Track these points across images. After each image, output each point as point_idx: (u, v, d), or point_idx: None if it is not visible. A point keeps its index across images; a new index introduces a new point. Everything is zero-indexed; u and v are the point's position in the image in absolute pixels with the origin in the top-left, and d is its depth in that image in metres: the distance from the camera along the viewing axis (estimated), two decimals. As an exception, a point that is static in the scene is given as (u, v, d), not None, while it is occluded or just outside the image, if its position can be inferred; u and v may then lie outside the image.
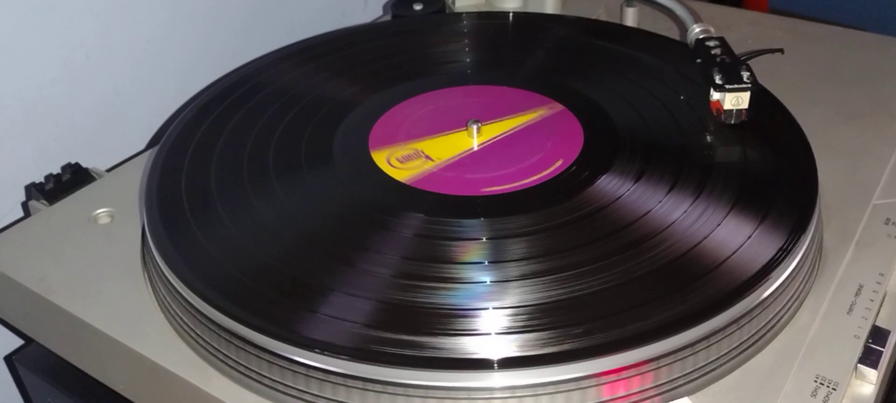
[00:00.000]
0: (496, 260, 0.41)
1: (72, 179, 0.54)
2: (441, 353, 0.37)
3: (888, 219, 0.47)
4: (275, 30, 0.74)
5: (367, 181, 0.48)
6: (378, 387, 0.37)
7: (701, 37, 0.55)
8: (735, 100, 0.49)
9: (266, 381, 0.39)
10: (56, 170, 0.54)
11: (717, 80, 0.50)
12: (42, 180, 0.54)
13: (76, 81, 0.60)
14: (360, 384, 0.37)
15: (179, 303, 0.42)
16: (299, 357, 0.38)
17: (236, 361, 0.40)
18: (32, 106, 0.58)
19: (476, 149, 0.51)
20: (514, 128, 0.52)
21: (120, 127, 0.64)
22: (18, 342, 0.57)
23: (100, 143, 0.63)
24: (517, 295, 0.39)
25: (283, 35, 0.73)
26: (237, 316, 0.39)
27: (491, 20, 0.67)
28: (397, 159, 0.50)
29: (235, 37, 0.71)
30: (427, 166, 0.49)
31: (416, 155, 0.50)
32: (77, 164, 0.55)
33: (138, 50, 0.64)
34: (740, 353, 0.39)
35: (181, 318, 0.42)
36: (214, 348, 0.40)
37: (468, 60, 0.61)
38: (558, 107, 0.54)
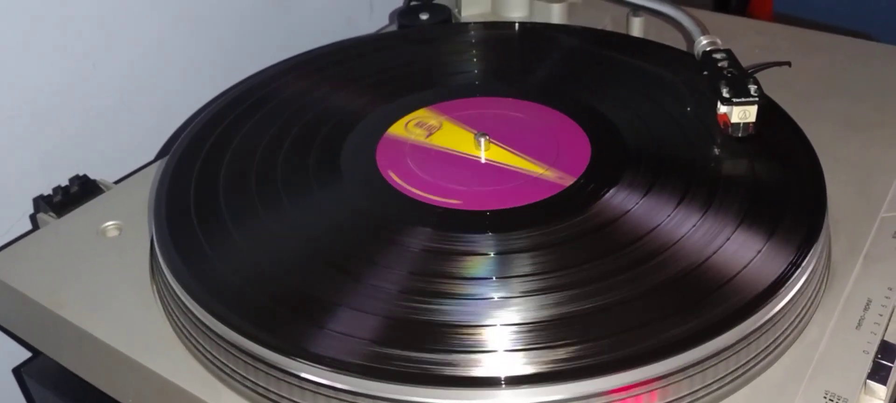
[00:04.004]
0: (503, 276, 0.41)
1: (80, 191, 0.54)
2: (448, 370, 0.37)
3: (897, 233, 0.47)
4: (281, 36, 0.74)
5: (375, 195, 0.48)
6: (386, 404, 0.37)
7: (708, 49, 0.55)
8: (742, 114, 0.49)
9: (275, 397, 0.39)
10: (64, 180, 0.54)
11: (725, 94, 0.50)
12: (49, 191, 0.54)
13: (83, 91, 0.60)
14: (367, 401, 0.37)
15: (188, 318, 0.42)
16: (308, 373, 0.38)
17: (245, 377, 0.40)
18: (39, 115, 0.58)
19: (483, 162, 0.51)
20: (521, 153, 0.52)
21: (127, 136, 0.64)
22: (27, 354, 0.57)
23: (107, 153, 0.63)
24: (524, 311, 0.39)
25: (290, 42, 0.73)
26: (246, 332, 0.39)
27: (497, 30, 0.67)
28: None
29: (242, 44, 0.71)
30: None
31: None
32: (85, 176, 0.55)
33: (145, 58, 0.64)
34: (749, 370, 0.39)
35: (190, 333, 0.42)
36: (223, 363, 0.40)
37: (475, 71, 0.61)
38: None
